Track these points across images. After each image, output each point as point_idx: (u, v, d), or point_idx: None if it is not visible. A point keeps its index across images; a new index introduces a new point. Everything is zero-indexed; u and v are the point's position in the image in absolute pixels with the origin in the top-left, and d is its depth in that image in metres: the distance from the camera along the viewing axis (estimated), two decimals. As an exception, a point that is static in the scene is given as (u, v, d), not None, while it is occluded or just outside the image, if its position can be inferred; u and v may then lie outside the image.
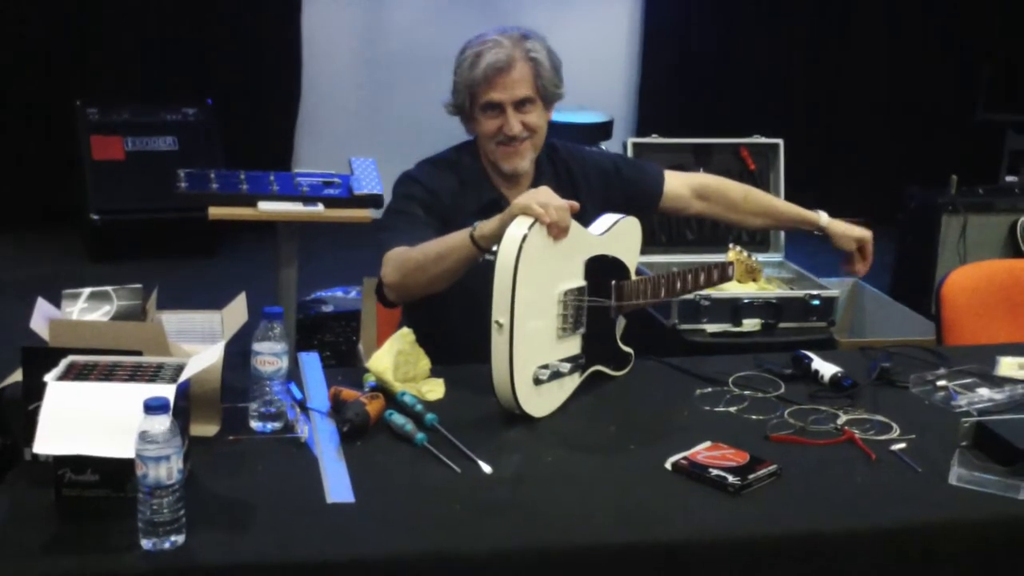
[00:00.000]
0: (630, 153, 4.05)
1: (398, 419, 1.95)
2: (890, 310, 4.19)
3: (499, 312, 1.94)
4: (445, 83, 2.46)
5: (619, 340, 2.29)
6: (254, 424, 1.95)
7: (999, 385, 2.27)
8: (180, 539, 1.55)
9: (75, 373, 1.72)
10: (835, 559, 1.72)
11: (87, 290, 2.09)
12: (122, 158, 5.57)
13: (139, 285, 2.14)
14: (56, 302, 2.06)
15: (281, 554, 1.57)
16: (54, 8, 5.75)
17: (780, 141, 4.21)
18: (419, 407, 2.01)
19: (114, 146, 5.58)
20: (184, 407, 1.74)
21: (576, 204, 2.05)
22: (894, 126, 6.82)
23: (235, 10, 6.02)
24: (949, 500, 1.82)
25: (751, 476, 1.82)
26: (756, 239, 4.12)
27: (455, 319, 2.30)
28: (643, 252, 2.34)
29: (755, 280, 2.50)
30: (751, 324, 3.63)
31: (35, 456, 1.70)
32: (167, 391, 1.62)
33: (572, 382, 2.14)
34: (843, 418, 2.09)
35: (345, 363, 3.90)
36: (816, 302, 3.65)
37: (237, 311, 2.15)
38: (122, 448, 1.56)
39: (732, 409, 2.14)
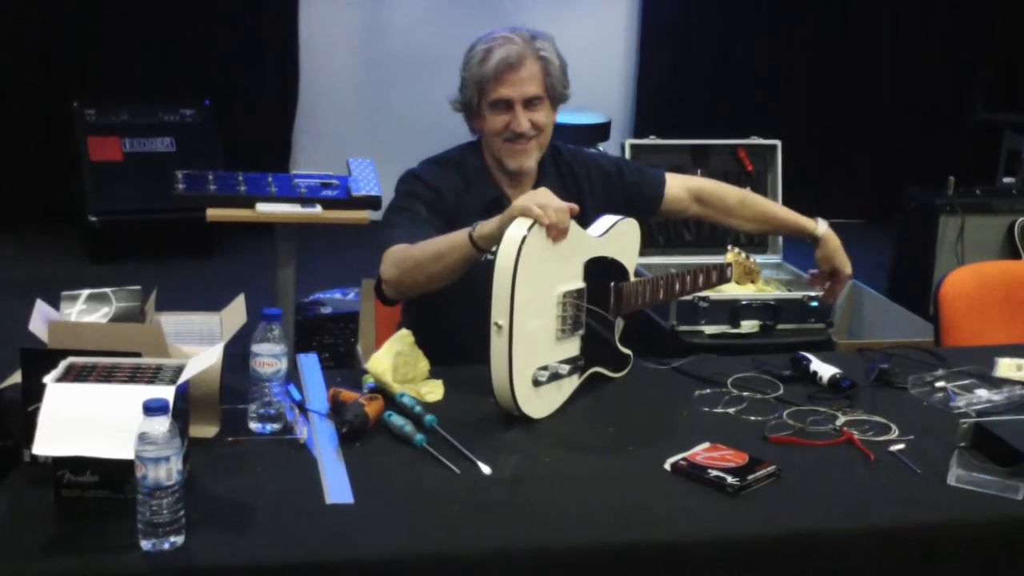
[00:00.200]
0: (627, 154, 4.05)
1: (397, 420, 1.95)
2: (888, 311, 4.18)
3: (498, 314, 1.94)
4: (444, 83, 2.46)
5: (618, 342, 2.30)
6: (253, 425, 1.95)
7: (997, 386, 2.28)
8: (179, 540, 1.55)
9: (74, 375, 1.71)
10: (834, 560, 1.72)
11: (86, 292, 2.09)
12: (120, 159, 5.57)
13: (138, 287, 2.14)
14: (55, 303, 2.06)
15: (280, 555, 1.57)
16: (54, 9, 5.76)
17: (778, 142, 4.21)
18: (418, 408, 2.01)
19: (112, 147, 5.57)
20: (183, 408, 1.73)
21: (575, 206, 2.04)
22: (893, 126, 6.83)
23: (233, 11, 6.02)
24: (948, 501, 1.82)
25: (750, 477, 1.82)
26: (754, 241, 4.13)
27: (454, 320, 2.30)
28: (641, 254, 2.34)
29: (753, 282, 2.51)
30: (749, 326, 3.64)
31: (34, 457, 1.70)
32: (166, 392, 1.62)
33: (571, 383, 2.14)
34: (842, 419, 2.09)
35: (344, 365, 3.89)
36: (814, 304, 3.65)
37: (236, 313, 2.15)
38: (121, 449, 1.56)
39: (731, 410, 2.14)
